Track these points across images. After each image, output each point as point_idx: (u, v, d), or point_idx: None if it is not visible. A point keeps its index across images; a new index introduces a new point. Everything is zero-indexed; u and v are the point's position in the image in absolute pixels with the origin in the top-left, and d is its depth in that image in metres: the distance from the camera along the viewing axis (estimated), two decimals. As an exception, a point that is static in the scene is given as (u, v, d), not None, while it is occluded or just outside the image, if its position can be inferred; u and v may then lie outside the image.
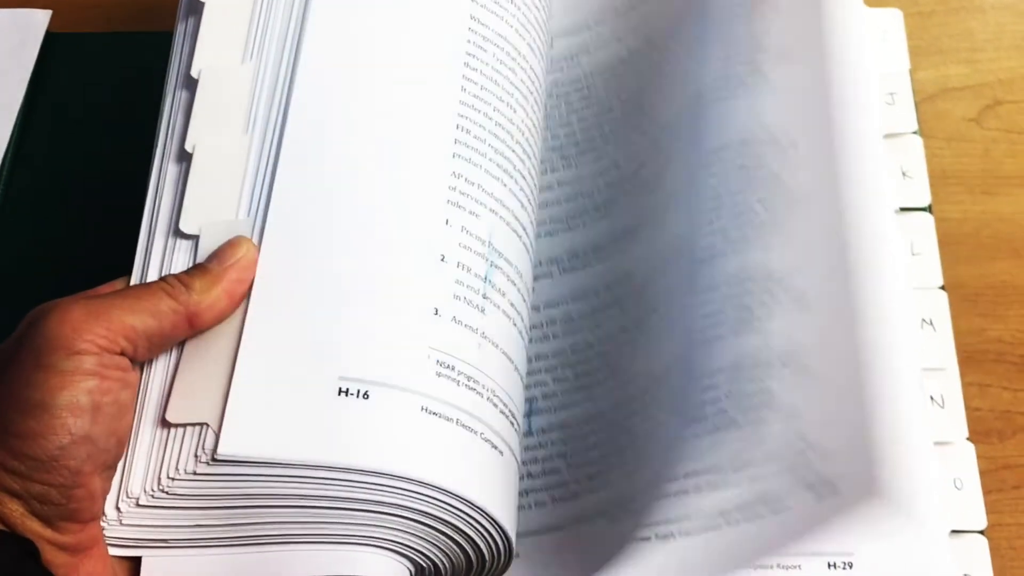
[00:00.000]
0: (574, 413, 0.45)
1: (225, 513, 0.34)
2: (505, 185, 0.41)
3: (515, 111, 0.43)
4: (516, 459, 0.39)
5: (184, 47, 0.41)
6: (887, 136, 0.52)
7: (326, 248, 0.37)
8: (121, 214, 0.52)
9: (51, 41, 0.58)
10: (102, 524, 0.34)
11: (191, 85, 0.40)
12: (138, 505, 0.34)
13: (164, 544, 0.34)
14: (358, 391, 0.35)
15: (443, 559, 0.36)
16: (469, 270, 0.39)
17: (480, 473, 0.36)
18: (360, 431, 0.34)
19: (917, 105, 0.53)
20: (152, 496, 0.34)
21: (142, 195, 0.48)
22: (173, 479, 0.34)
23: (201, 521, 0.34)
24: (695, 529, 0.41)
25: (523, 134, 0.43)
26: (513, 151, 0.42)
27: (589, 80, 0.53)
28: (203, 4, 0.41)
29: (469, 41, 0.42)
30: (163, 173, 0.39)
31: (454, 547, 0.36)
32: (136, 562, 0.35)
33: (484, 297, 0.39)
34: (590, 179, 0.50)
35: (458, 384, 0.37)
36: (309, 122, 0.39)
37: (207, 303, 0.35)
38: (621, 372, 0.45)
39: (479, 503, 0.35)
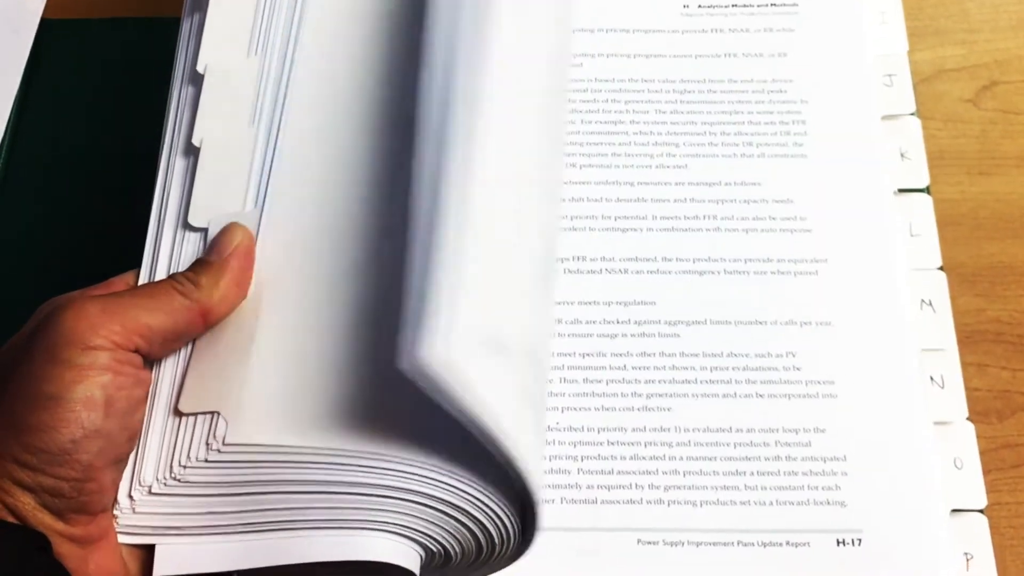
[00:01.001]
0: (585, 419, 0.45)
1: (236, 500, 0.34)
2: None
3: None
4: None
5: (189, 43, 0.41)
6: (885, 118, 0.52)
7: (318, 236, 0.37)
8: (120, 203, 0.52)
9: (46, 28, 0.57)
10: (115, 513, 0.34)
11: (197, 80, 0.40)
12: (151, 493, 0.34)
13: (176, 531, 0.35)
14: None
15: (453, 543, 0.37)
16: None
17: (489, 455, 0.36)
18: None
19: (914, 86, 0.53)
20: (164, 484, 0.34)
21: (142, 184, 0.48)
22: (185, 467, 0.34)
23: (213, 508, 0.34)
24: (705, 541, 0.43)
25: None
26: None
27: (593, 85, 0.53)
28: (207, 0, 0.41)
29: None
30: (170, 167, 0.39)
31: (464, 531, 0.36)
32: (147, 552, 0.35)
33: None
34: (596, 187, 0.50)
35: None
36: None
37: (218, 297, 0.35)
38: (642, 393, 0.46)
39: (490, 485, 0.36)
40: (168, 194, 0.39)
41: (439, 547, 0.37)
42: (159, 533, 0.35)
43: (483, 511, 0.36)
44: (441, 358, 0.30)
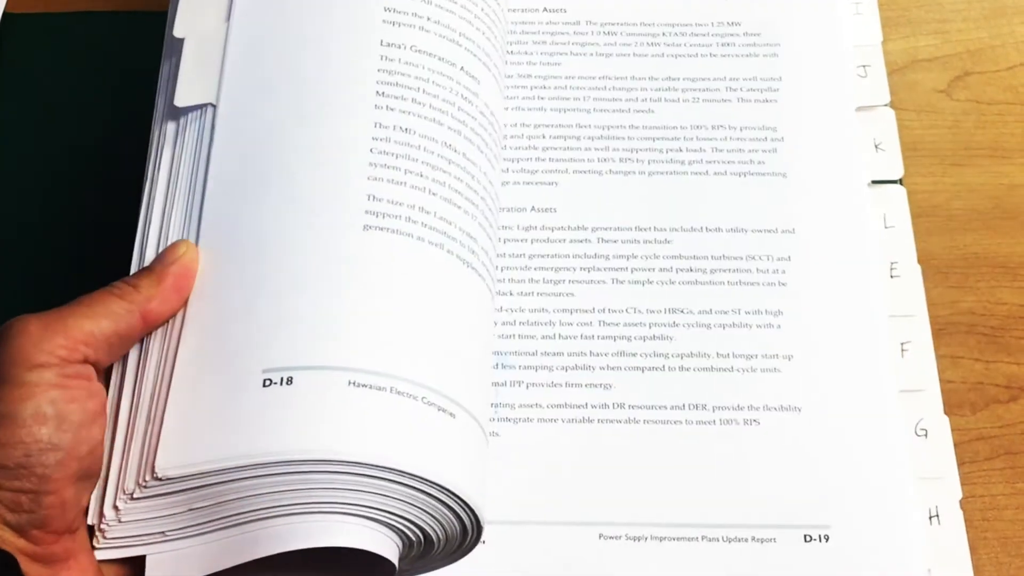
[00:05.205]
0: (544, 413, 0.45)
1: (214, 491, 0.34)
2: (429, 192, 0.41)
3: (440, 125, 0.42)
4: (476, 420, 0.38)
5: (168, 84, 0.43)
6: (860, 109, 0.52)
7: (245, 249, 0.38)
8: (87, 201, 0.52)
9: (10, 22, 0.56)
10: (102, 527, 0.34)
11: (176, 115, 0.42)
12: (132, 499, 0.34)
13: (163, 537, 0.35)
14: (281, 379, 0.35)
15: (435, 527, 0.36)
16: None
17: (425, 441, 0.36)
18: (285, 418, 0.34)
19: (887, 77, 0.53)
20: (145, 487, 0.34)
21: (108, 181, 0.47)
22: (164, 465, 0.34)
23: (194, 504, 0.34)
24: (669, 536, 0.43)
25: (453, 151, 0.42)
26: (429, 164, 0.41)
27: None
28: (182, 41, 0.43)
29: (383, 57, 0.42)
30: (152, 196, 0.41)
31: (445, 512, 0.36)
32: (130, 573, 0.35)
33: None
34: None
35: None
36: (234, 134, 0.40)
37: (157, 299, 0.36)
38: (605, 383, 0.46)
39: (427, 475, 0.35)
40: (150, 222, 0.40)
41: (417, 533, 0.36)
42: (146, 542, 0.35)
43: (440, 500, 0.36)
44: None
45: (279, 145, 0.40)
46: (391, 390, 0.36)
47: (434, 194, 0.40)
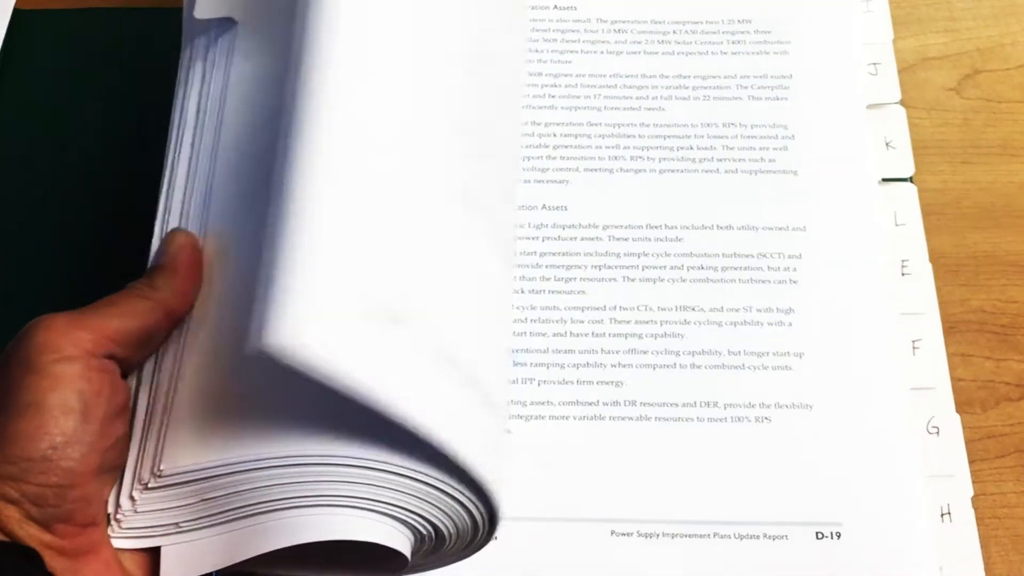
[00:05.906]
0: (558, 410, 0.45)
1: (226, 482, 0.34)
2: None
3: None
4: (495, 410, 0.38)
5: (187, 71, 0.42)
6: (871, 107, 0.52)
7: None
8: (97, 202, 0.52)
9: (19, 19, 0.56)
10: (118, 517, 0.34)
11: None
12: (147, 488, 0.34)
13: (176, 528, 0.35)
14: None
15: (447, 523, 0.36)
16: None
17: (473, 431, 0.35)
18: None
19: (898, 75, 0.53)
20: (159, 476, 0.34)
21: (118, 178, 0.47)
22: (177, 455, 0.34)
23: (206, 495, 0.34)
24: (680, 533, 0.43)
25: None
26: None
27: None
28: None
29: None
30: (173, 178, 0.40)
31: (457, 507, 0.36)
32: (152, 562, 0.35)
33: None
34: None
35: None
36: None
37: (177, 293, 0.36)
38: (616, 380, 0.46)
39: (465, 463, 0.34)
40: (171, 203, 0.39)
41: (429, 528, 0.36)
42: (160, 533, 0.35)
43: (472, 483, 0.35)
44: (293, 342, 0.30)
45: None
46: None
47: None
